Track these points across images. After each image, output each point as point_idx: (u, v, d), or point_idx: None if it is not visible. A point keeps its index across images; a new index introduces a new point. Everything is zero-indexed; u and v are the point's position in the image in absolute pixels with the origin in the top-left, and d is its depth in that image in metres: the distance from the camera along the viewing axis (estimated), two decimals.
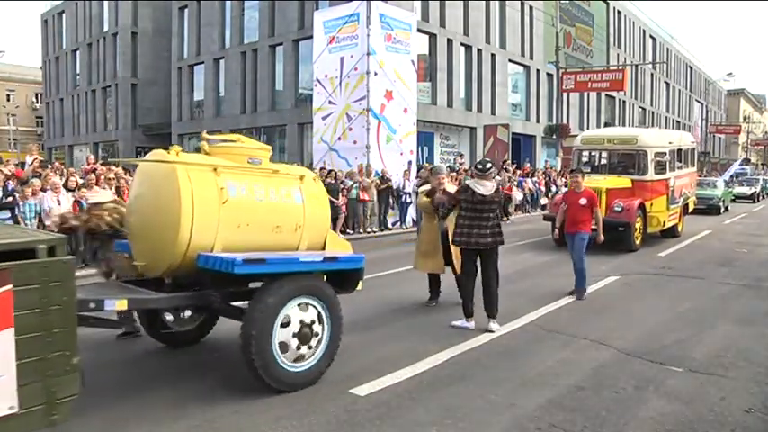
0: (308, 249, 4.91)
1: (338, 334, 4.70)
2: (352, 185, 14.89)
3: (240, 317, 4.42)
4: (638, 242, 11.95)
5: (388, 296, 7.64)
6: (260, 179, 4.72)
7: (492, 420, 4.01)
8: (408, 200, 16.03)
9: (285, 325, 4.34)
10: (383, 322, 6.48)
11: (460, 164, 22.10)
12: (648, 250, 12.04)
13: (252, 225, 4.54)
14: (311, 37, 21.13)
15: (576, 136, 18.13)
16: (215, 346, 5.54)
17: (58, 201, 9.82)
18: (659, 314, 6.96)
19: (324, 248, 5.10)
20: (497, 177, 17.95)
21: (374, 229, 15.56)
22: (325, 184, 13.86)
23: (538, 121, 34.02)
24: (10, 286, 2.83)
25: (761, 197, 32.32)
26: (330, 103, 18.96)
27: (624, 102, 44.67)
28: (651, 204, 12.35)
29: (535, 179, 23.09)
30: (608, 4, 41.52)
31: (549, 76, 33.42)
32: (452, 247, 6.67)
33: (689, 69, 62.23)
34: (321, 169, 15.78)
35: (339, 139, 18.65)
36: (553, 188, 22.90)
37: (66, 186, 10.46)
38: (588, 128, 34.86)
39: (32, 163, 11.23)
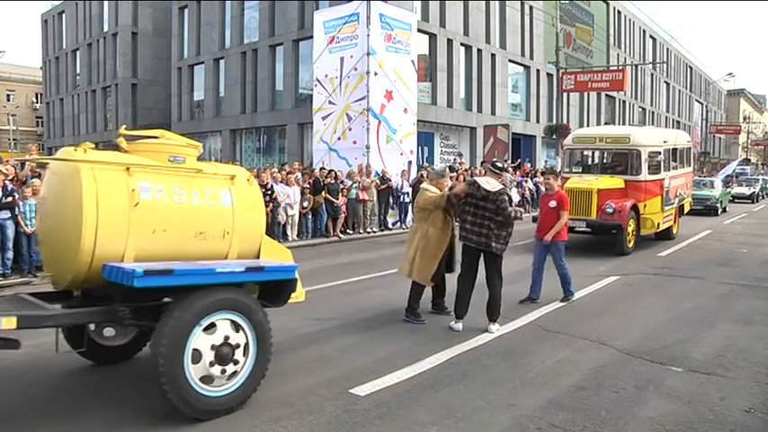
0: (240, 257, 4.50)
1: (267, 351, 4.23)
2: (352, 185, 14.89)
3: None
4: (630, 245, 11.59)
5: (388, 296, 7.65)
6: (181, 179, 4.29)
7: (492, 420, 4.01)
8: (407, 199, 16.04)
9: (200, 345, 3.89)
10: (383, 322, 6.48)
11: (460, 164, 22.11)
12: (648, 250, 12.03)
13: (170, 231, 4.12)
14: (311, 37, 21.13)
15: None
16: None
17: None
18: (659, 314, 6.96)
19: (258, 256, 4.69)
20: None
21: (374, 229, 15.57)
22: (325, 184, 14.19)
23: (538, 121, 34.00)
24: None
25: (760, 197, 32.27)
26: (330, 103, 18.97)
27: (624, 102, 44.65)
28: (645, 206, 11.97)
29: (537, 179, 23.07)
30: (608, 4, 41.50)
31: (549, 76, 33.41)
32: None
33: (689, 69, 62.21)
34: (321, 169, 15.79)
35: (339, 139, 18.66)
36: None
37: None
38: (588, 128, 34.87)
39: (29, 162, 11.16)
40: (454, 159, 25.59)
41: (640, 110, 47.89)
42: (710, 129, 61.69)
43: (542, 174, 8.64)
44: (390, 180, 16.28)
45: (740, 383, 4.72)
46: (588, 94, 37.88)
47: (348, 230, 14.89)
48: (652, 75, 50.82)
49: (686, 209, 15.12)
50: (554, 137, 29.48)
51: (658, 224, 12.49)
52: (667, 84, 55.07)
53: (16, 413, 4.13)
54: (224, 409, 4.00)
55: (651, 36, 51.02)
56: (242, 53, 29.84)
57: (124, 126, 5.08)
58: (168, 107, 35.57)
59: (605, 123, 39.79)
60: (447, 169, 7.63)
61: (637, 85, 46.79)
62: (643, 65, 47.14)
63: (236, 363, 4.05)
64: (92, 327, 4.21)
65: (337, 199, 14.23)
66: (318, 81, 19.49)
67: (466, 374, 4.86)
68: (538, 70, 34.09)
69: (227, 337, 4.00)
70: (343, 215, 14.56)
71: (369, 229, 15.36)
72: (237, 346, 4.05)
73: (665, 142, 12.95)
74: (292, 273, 4.46)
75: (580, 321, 6.58)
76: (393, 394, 4.42)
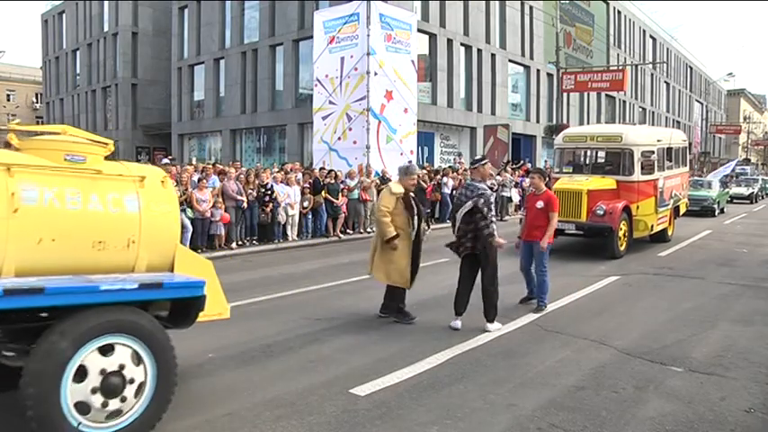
0: (150, 270, 4.01)
1: (170, 374, 3.69)
2: (355, 185, 14.86)
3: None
4: (622, 248, 11.15)
5: None
6: (77, 182, 3.74)
7: (492, 420, 4.01)
8: None
9: (81, 376, 3.32)
10: (383, 322, 6.48)
11: (460, 164, 22.11)
12: (648, 250, 12.03)
13: (60, 240, 3.59)
14: (311, 37, 21.16)
15: None
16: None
17: None
18: (659, 314, 6.96)
19: (172, 268, 4.16)
20: (498, 177, 17.97)
21: (374, 229, 15.53)
22: (325, 184, 14.18)
23: (538, 121, 34.01)
24: None
25: (760, 197, 32.20)
26: (330, 103, 18.99)
27: (624, 102, 44.66)
28: (637, 207, 11.46)
29: (523, 179, 23.04)
30: (608, 4, 41.52)
31: (549, 76, 33.42)
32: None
33: (689, 69, 62.24)
34: (321, 169, 15.79)
35: (339, 139, 18.68)
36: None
37: None
38: None
39: None
40: (454, 159, 25.61)
41: (640, 110, 47.90)
42: (711, 129, 61.69)
43: (528, 172, 8.30)
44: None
45: (740, 383, 4.71)
46: (588, 95, 37.89)
47: (348, 230, 14.88)
48: (652, 75, 50.84)
49: (682, 210, 14.58)
50: (554, 137, 29.46)
51: (652, 226, 11.97)
52: (667, 84, 55.09)
53: None
54: None
55: (651, 36, 51.03)
56: (242, 53, 29.86)
57: (18, 121, 4.57)
58: (168, 107, 35.60)
59: (606, 123, 39.84)
60: (412, 166, 6.88)
61: (637, 85, 46.81)
62: (643, 65, 47.16)
63: (123, 400, 3.47)
64: None
65: (337, 199, 14.23)
66: (318, 81, 19.51)
67: (466, 374, 4.86)
68: (538, 70, 34.11)
69: (122, 366, 3.48)
70: (343, 215, 14.55)
71: (369, 229, 15.35)
72: (132, 381, 3.51)
73: (659, 141, 12.46)
74: (199, 289, 3.83)
75: (580, 321, 6.58)
76: (393, 394, 4.41)
